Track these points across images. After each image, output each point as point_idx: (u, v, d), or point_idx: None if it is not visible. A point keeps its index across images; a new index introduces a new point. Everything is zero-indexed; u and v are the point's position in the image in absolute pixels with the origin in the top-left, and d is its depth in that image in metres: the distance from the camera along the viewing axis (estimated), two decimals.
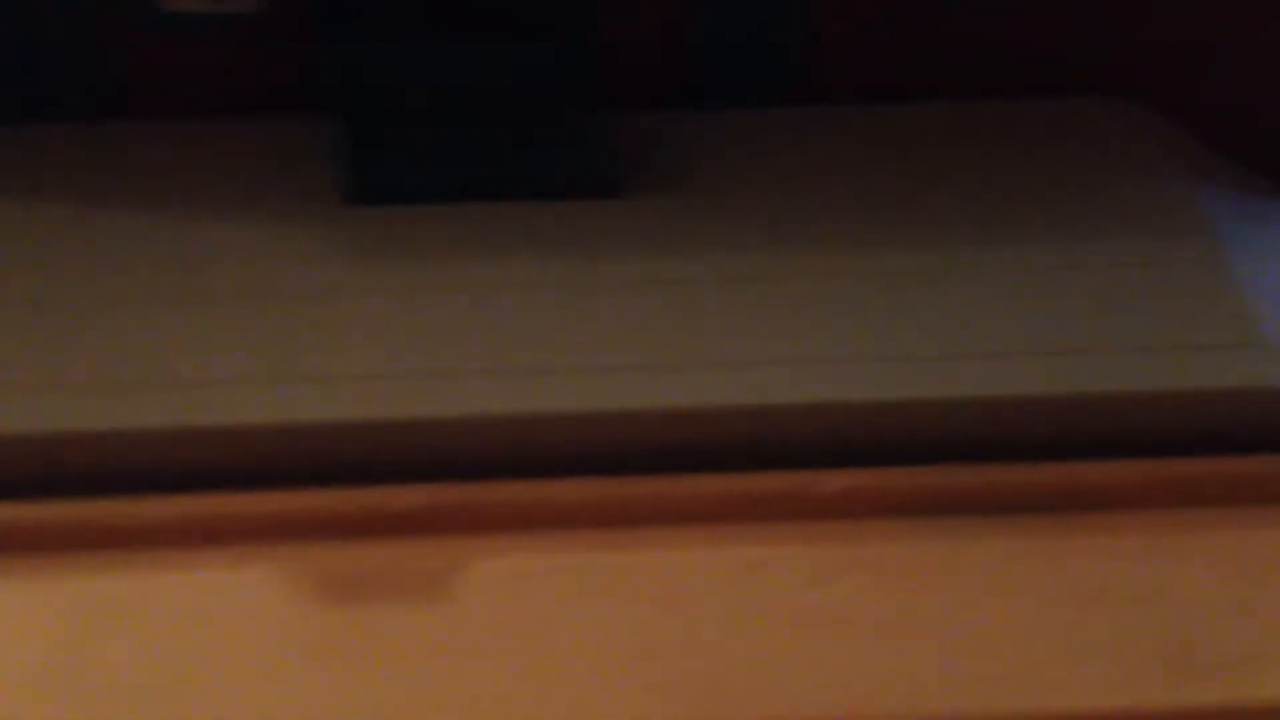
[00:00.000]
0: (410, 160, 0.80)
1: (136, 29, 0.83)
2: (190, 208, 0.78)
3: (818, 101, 0.88)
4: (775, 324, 0.74)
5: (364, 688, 0.61)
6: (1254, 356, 0.72)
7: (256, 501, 0.67)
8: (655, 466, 0.69)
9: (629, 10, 0.87)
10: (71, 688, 0.61)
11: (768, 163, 0.83)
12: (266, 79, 0.85)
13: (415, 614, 0.64)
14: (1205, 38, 0.89)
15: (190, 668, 0.62)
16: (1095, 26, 0.89)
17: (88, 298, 0.73)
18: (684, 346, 0.73)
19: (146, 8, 0.82)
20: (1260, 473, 0.70)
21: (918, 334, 0.73)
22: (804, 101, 0.88)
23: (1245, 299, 0.74)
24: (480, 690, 0.61)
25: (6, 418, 0.67)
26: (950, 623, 0.64)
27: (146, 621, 0.64)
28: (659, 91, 0.88)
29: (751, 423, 0.70)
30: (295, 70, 0.85)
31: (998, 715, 0.60)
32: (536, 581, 0.66)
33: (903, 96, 0.88)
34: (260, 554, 0.66)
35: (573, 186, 0.80)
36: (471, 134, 0.81)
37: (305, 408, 0.68)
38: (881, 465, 0.70)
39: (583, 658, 0.62)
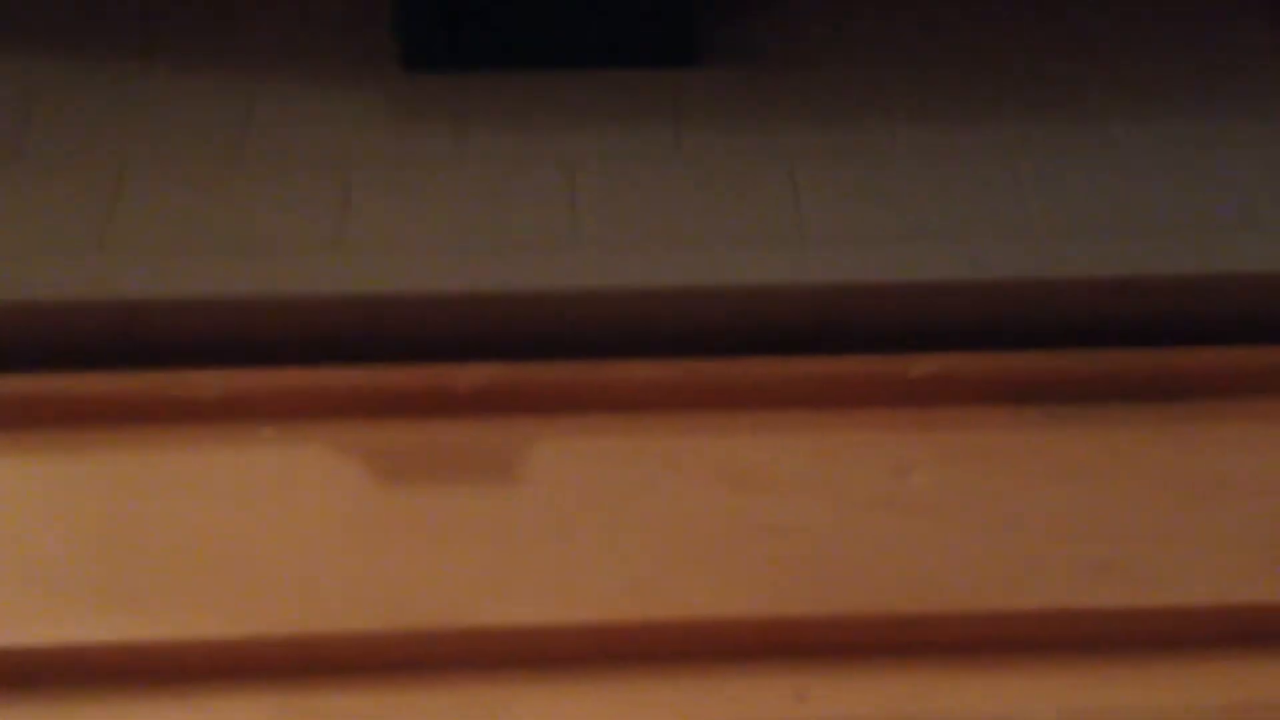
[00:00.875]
0: (469, 24, 0.75)
1: None
2: (244, 72, 0.75)
3: None
4: (866, 199, 0.70)
5: (424, 567, 0.58)
6: None
7: (315, 376, 0.64)
8: (736, 347, 0.66)
9: None
10: (119, 560, 0.59)
11: (867, 27, 0.78)
12: None
13: (479, 492, 0.61)
14: None
15: (243, 541, 0.59)
16: None
17: (147, 163, 0.70)
18: (765, 221, 0.69)
19: None
20: None
21: (1027, 208, 0.69)
22: None
23: None
24: (548, 570, 0.58)
25: (63, 283, 0.64)
26: (1046, 512, 0.61)
27: (200, 495, 0.61)
28: None
29: (837, 301, 0.66)
30: None
31: (1097, 609, 0.57)
32: (607, 462, 0.62)
33: None
34: (318, 430, 0.63)
35: (646, 54, 0.76)
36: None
37: (366, 278, 0.65)
38: (976, 349, 0.66)
39: (651, 540, 0.59)
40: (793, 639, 0.56)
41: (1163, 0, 0.80)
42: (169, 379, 0.64)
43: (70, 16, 0.77)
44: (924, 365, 0.65)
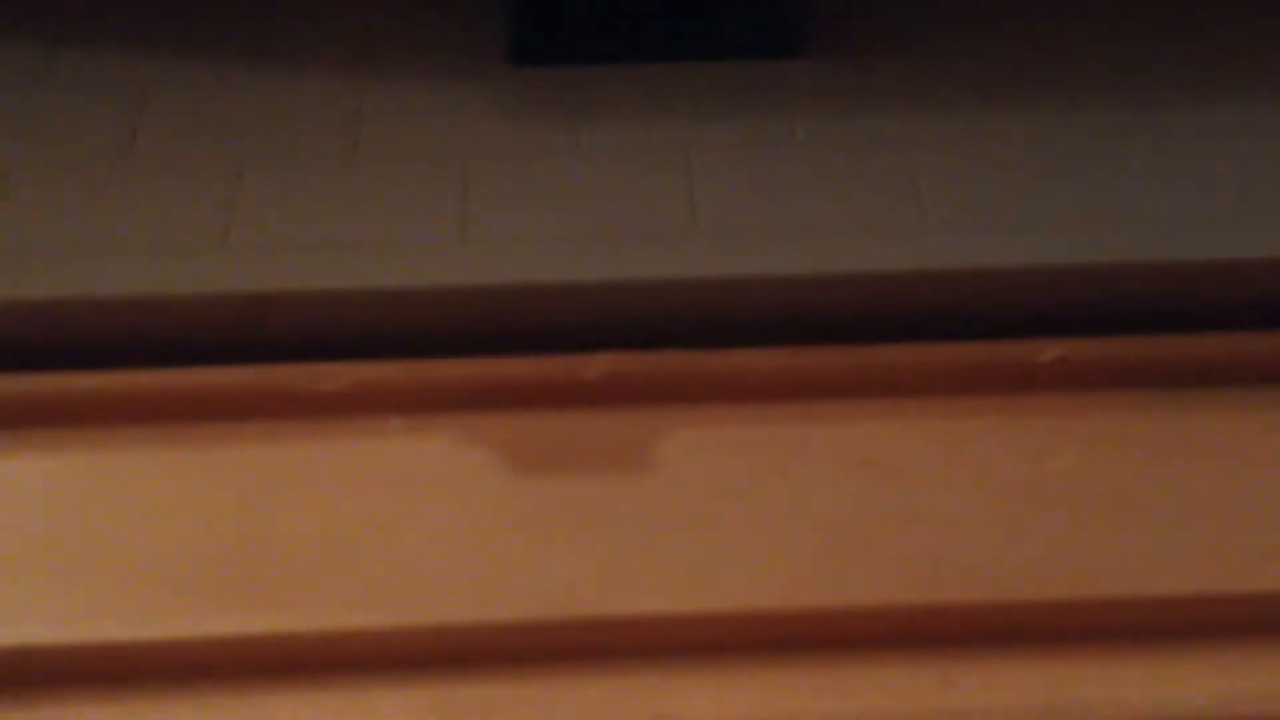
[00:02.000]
0: (580, 18, 0.75)
1: None
2: (358, 67, 0.75)
3: None
4: (980, 186, 0.69)
5: (556, 559, 0.58)
6: None
7: (441, 368, 0.64)
8: (862, 334, 0.65)
9: None
10: (250, 555, 0.58)
11: (968, 19, 0.78)
12: None
13: (610, 482, 0.61)
14: None
15: (375, 534, 0.59)
16: None
17: (264, 160, 0.70)
18: (884, 209, 0.68)
19: None
20: None
21: (1148, 192, 0.68)
22: None
23: None
24: (680, 560, 0.58)
25: (189, 278, 0.64)
26: (1186, 497, 0.60)
27: (329, 488, 0.61)
28: None
29: (959, 287, 0.66)
30: None
31: (1252, 593, 0.56)
32: (738, 451, 0.62)
33: None
34: (445, 422, 0.63)
35: (754, 45, 0.76)
36: None
37: (487, 270, 0.65)
38: (1099, 334, 0.65)
39: (787, 530, 0.59)
40: (938, 628, 0.56)
41: None
42: (296, 372, 0.63)
43: (180, 14, 0.77)
44: (1052, 350, 0.65)
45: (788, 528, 0.59)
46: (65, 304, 0.63)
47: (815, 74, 0.75)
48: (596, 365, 0.64)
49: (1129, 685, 0.55)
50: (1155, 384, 0.64)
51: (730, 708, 0.54)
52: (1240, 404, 0.63)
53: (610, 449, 0.62)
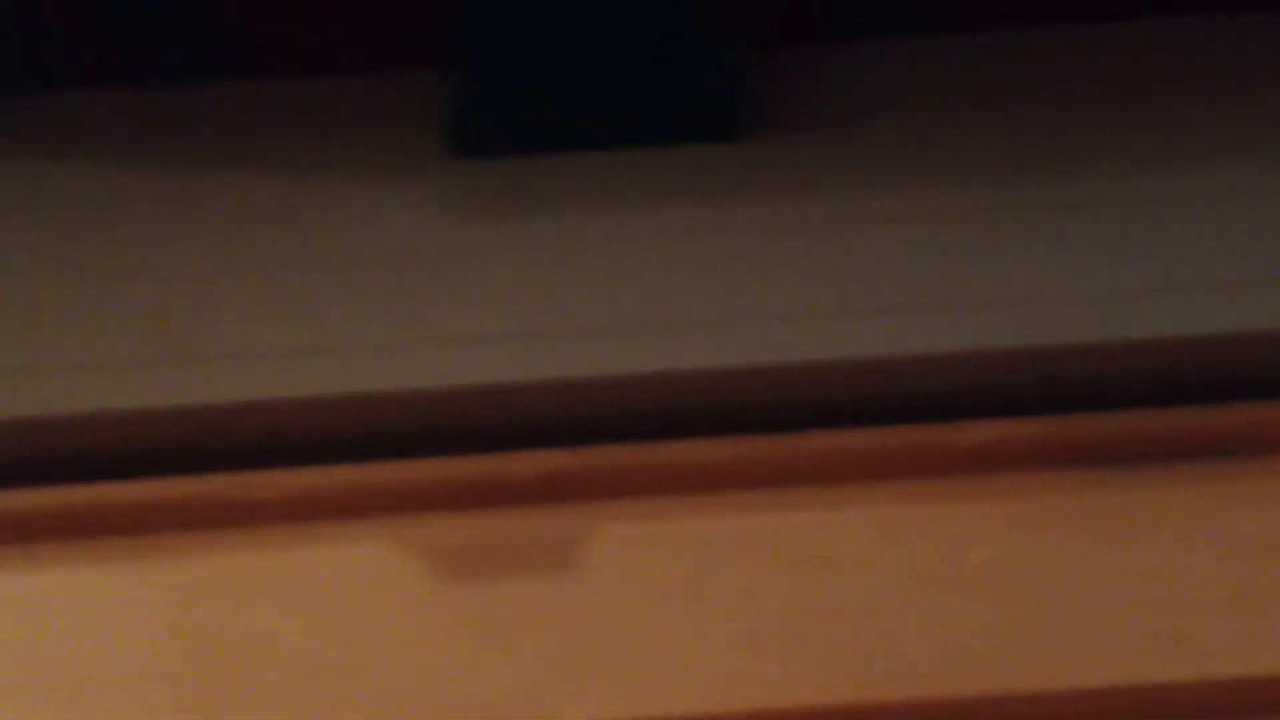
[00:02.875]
0: (517, 110, 0.76)
1: None
2: (296, 168, 0.76)
3: (962, 28, 0.83)
4: (905, 269, 0.70)
5: (491, 666, 0.59)
6: None
7: (375, 472, 0.64)
8: (792, 423, 0.66)
9: None
10: (193, 668, 0.59)
11: (901, 96, 0.78)
12: (376, 34, 0.81)
13: (549, 585, 0.62)
14: None
15: (313, 646, 0.60)
16: None
17: (205, 268, 0.70)
18: (806, 296, 0.69)
19: None
20: None
21: (1066, 272, 0.69)
22: (947, 28, 0.83)
23: None
24: (621, 662, 0.59)
25: (127, 392, 0.65)
26: (1107, 582, 0.61)
27: (268, 600, 0.62)
28: (795, 22, 0.83)
29: (889, 375, 0.67)
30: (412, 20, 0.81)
31: (1168, 683, 0.57)
32: (669, 549, 0.63)
33: (1047, 17, 0.83)
34: (383, 527, 0.63)
35: (688, 131, 0.77)
36: (582, 79, 0.77)
37: (425, 373, 0.66)
38: (1025, 415, 0.66)
39: (719, 630, 0.60)
40: None
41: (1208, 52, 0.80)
42: (231, 482, 0.64)
43: (115, 122, 0.78)
44: (975, 434, 0.66)
45: (720, 627, 0.60)
46: None
47: (748, 158, 0.76)
48: (527, 464, 0.65)
49: None
50: (1080, 464, 0.65)
51: None
52: (1156, 482, 0.64)
53: (542, 550, 0.63)
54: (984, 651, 0.58)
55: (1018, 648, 0.59)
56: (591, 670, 0.58)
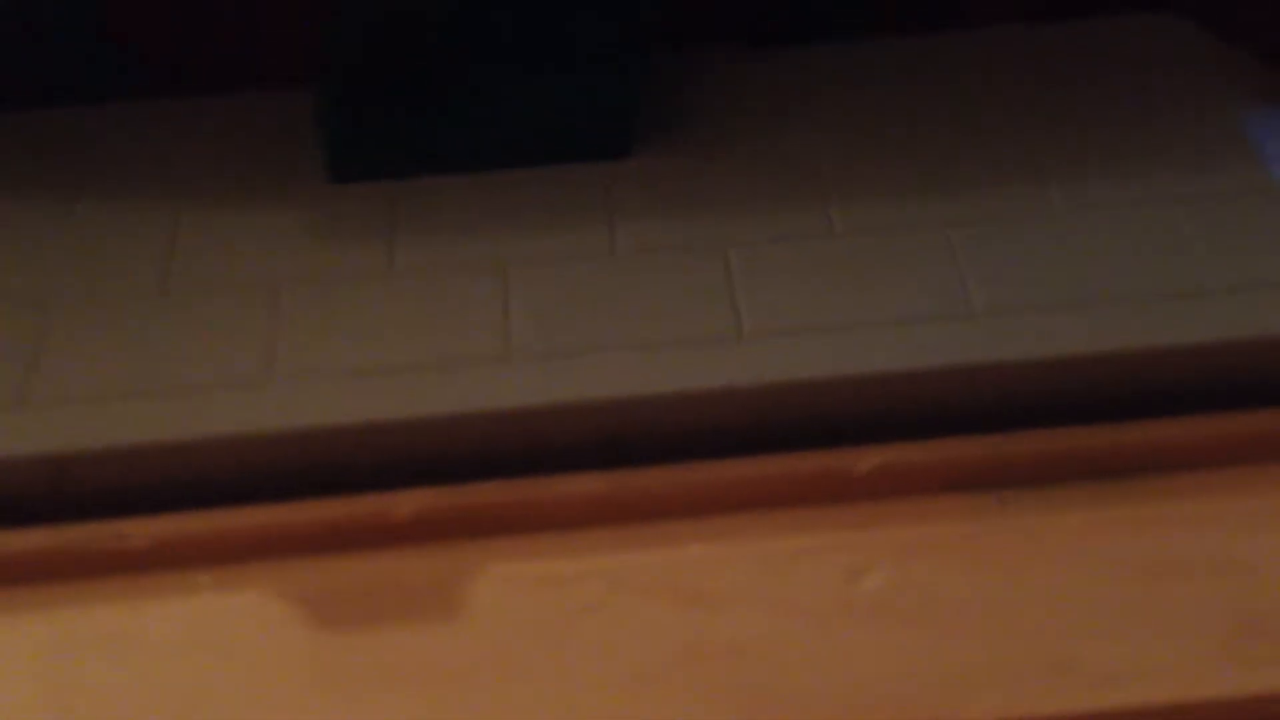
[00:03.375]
0: (395, 131, 0.74)
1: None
2: (174, 195, 0.74)
3: (870, 31, 0.81)
4: (796, 290, 0.68)
5: (380, 711, 0.57)
6: None
7: (250, 516, 0.63)
8: (675, 454, 0.64)
9: None
10: None
11: (809, 104, 0.77)
12: (250, 52, 0.80)
13: (424, 629, 0.60)
14: None
15: (185, 698, 0.58)
16: None
17: (68, 306, 0.68)
18: (701, 319, 0.67)
19: None
20: None
21: (956, 291, 0.67)
22: (853, 32, 0.81)
23: None
24: (500, 708, 0.57)
25: None
26: (1001, 609, 0.59)
27: (137, 651, 0.60)
28: (690, 27, 0.81)
29: (776, 401, 0.65)
30: (285, 37, 0.80)
31: (1063, 712, 0.56)
32: (552, 588, 0.61)
33: (951, 20, 0.82)
34: (254, 573, 0.61)
35: (577, 149, 0.75)
36: (463, 97, 0.74)
37: (293, 412, 0.64)
38: (918, 438, 0.65)
39: (604, 669, 0.58)
40: None
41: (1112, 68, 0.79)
42: (100, 531, 0.62)
43: None
44: (870, 459, 0.64)
45: (608, 667, 0.58)
46: None
47: (636, 175, 0.74)
48: (406, 504, 0.63)
49: None
50: (973, 487, 0.64)
51: None
52: (1054, 504, 0.63)
53: (424, 592, 0.61)
54: (876, 684, 0.57)
55: (910, 680, 0.57)
56: (476, 715, 0.57)
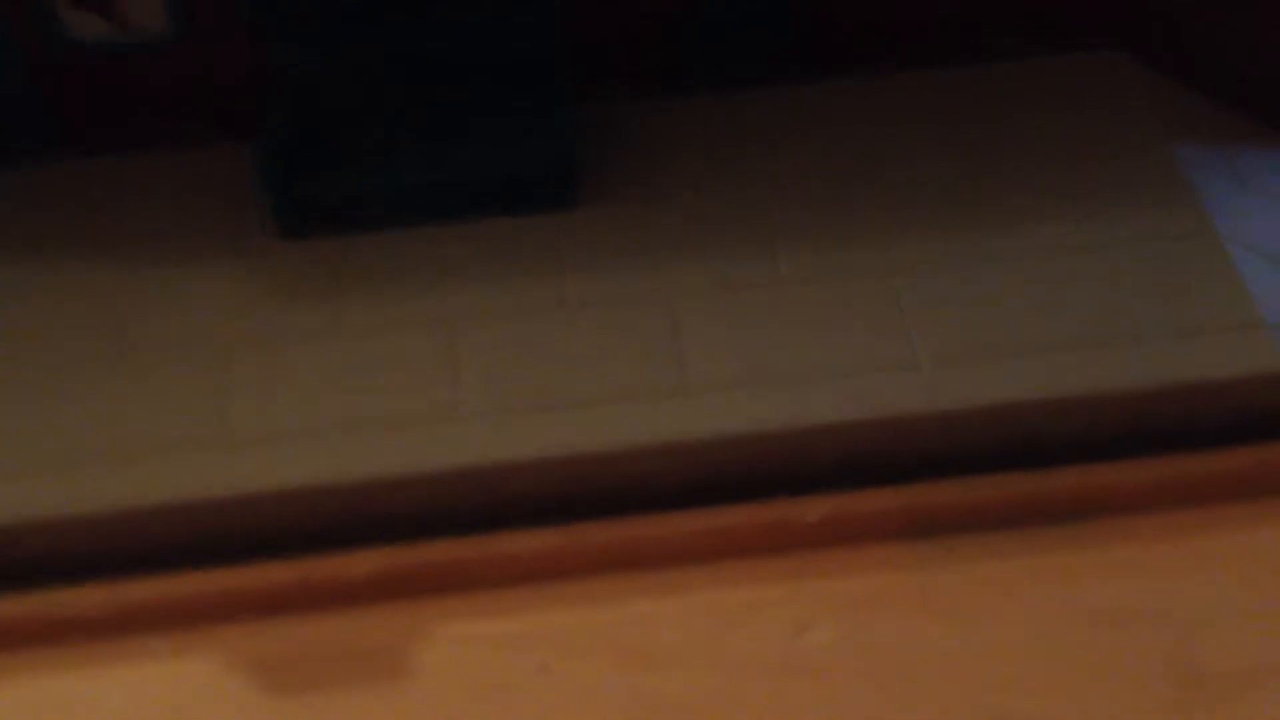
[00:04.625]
0: (338, 187, 0.74)
1: (58, 56, 0.78)
2: (114, 254, 0.74)
3: (812, 74, 0.82)
4: (741, 341, 0.69)
5: None
6: (1253, 339, 0.67)
7: (203, 580, 0.63)
8: (625, 507, 0.65)
9: None
10: None
11: (751, 150, 0.77)
12: (192, 104, 0.80)
13: (378, 692, 0.60)
14: None
15: None
16: None
17: (14, 375, 0.69)
18: (647, 373, 0.68)
19: (55, 38, 0.77)
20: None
21: (903, 339, 0.68)
22: (797, 73, 0.82)
23: (1237, 276, 0.69)
24: None
25: None
26: (942, 660, 0.60)
27: (93, 718, 0.60)
28: (640, 73, 0.82)
29: (724, 453, 0.66)
30: (225, 93, 0.80)
31: None
32: (499, 648, 0.62)
33: (893, 59, 0.82)
34: (206, 638, 0.62)
35: (524, 201, 0.75)
36: (409, 150, 0.75)
37: (246, 477, 0.64)
38: (865, 487, 0.65)
39: None
40: None
41: (1039, 105, 0.79)
42: (50, 600, 0.63)
43: None
44: (819, 509, 0.65)
45: None
46: None
47: (583, 226, 0.75)
48: (361, 564, 0.63)
49: None
50: (920, 535, 0.65)
51: None
52: (998, 551, 0.64)
53: (378, 654, 0.62)
54: None
55: None
56: None
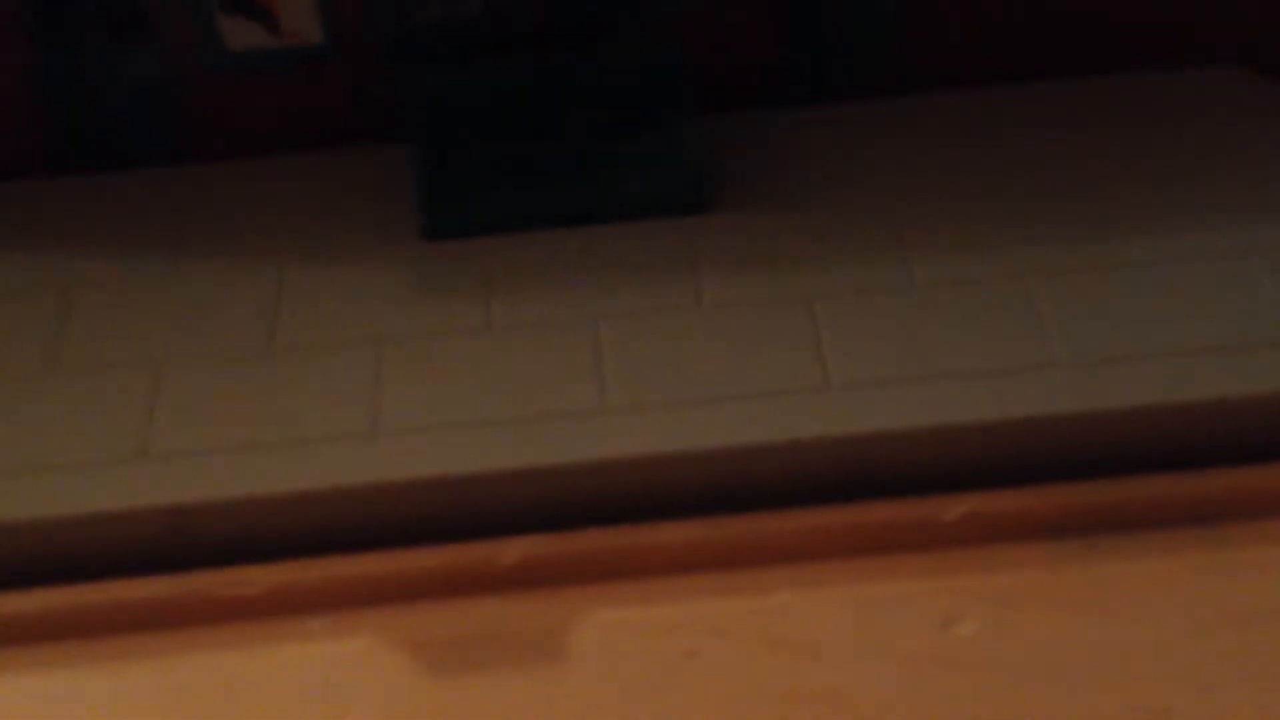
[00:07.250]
0: (487, 191, 0.77)
1: (207, 71, 0.81)
2: (270, 254, 0.76)
3: (920, 86, 0.83)
4: (887, 340, 0.70)
5: None
6: None
7: (359, 564, 0.65)
8: (770, 502, 0.66)
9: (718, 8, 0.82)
10: None
11: (870, 160, 0.79)
12: (339, 114, 0.82)
13: (530, 675, 0.62)
14: None
15: None
16: None
17: (181, 362, 0.71)
18: (788, 371, 0.69)
19: (213, 49, 0.79)
20: None
21: (1041, 342, 0.69)
22: (906, 87, 0.83)
23: None
24: None
25: (105, 495, 0.65)
26: (1093, 656, 0.61)
27: (255, 696, 0.62)
28: (759, 88, 0.84)
29: (865, 450, 0.67)
30: (371, 103, 0.82)
31: None
32: (651, 634, 0.63)
33: (1007, 76, 0.84)
34: (365, 619, 0.64)
35: (659, 206, 0.77)
36: (549, 157, 0.77)
37: (399, 464, 0.66)
38: (1006, 486, 0.66)
39: (709, 713, 0.60)
40: None
41: (1162, 116, 0.80)
42: (214, 579, 0.64)
43: (96, 214, 0.78)
44: (957, 507, 0.66)
45: (706, 716, 0.59)
46: None
47: (719, 230, 0.76)
48: (511, 551, 0.65)
49: None
50: (1060, 535, 0.65)
51: None
52: (1141, 551, 0.64)
53: (528, 638, 0.63)
54: None
55: None
56: None
